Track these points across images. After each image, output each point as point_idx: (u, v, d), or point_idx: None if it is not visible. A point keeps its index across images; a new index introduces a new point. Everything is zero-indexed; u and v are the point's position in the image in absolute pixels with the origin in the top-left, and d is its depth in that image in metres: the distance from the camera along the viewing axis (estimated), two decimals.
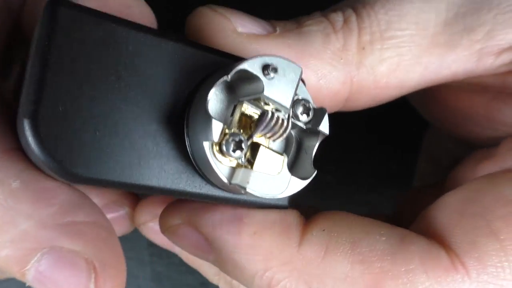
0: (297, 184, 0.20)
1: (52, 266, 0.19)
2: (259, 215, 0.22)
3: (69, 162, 0.17)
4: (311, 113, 0.20)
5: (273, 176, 0.19)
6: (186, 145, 0.19)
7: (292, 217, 0.22)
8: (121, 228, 0.28)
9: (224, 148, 0.18)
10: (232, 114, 0.19)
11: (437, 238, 0.22)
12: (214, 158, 0.18)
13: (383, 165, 0.38)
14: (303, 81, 0.21)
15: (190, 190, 0.19)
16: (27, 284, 0.19)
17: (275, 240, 0.21)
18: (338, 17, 0.23)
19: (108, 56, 0.18)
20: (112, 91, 0.18)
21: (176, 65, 0.19)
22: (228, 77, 0.18)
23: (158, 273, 0.37)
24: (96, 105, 0.18)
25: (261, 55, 0.19)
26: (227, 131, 0.19)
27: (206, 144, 0.18)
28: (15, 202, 0.18)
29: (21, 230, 0.18)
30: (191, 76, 0.19)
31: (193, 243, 0.23)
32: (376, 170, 0.38)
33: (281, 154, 0.20)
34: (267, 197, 0.19)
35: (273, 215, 0.22)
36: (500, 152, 0.26)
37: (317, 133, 0.20)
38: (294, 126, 0.20)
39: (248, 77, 0.18)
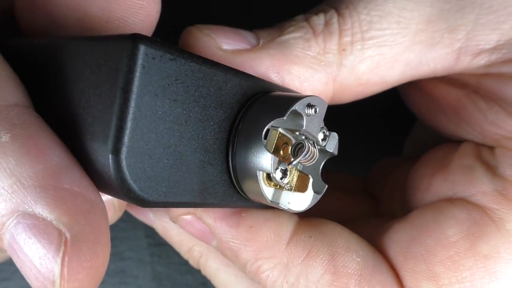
0: (315, 198, 0.23)
1: (23, 232, 0.18)
2: (256, 212, 0.25)
3: (145, 193, 0.19)
4: (327, 138, 0.23)
5: (303, 194, 0.22)
6: (229, 169, 0.21)
7: (285, 217, 0.25)
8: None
9: (273, 175, 0.21)
10: (265, 137, 0.21)
11: (396, 274, 0.25)
12: (263, 184, 0.21)
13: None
14: None
15: (226, 202, 0.22)
16: (7, 252, 0.18)
17: (267, 236, 0.24)
18: (319, 21, 0.24)
19: (179, 92, 0.19)
20: (182, 124, 0.19)
21: (221, 95, 0.21)
22: (284, 118, 0.20)
23: (158, 273, 0.37)
24: (170, 138, 0.19)
25: (305, 95, 0.21)
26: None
27: (259, 174, 0.21)
28: (1, 157, 0.17)
29: (1, 187, 0.17)
30: (232, 104, 0.21)
31: (198, 231, 0.26)
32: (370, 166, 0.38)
33: (308, 176, 0.22)
34: (299, 211, 0.22)
35: (269, 213, 0.25)
36: (453, 167, 0.27)
37: (327, 153, 0.23)
38: None
39: (293, 113, 0.21)
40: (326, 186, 0.23)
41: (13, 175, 0.17)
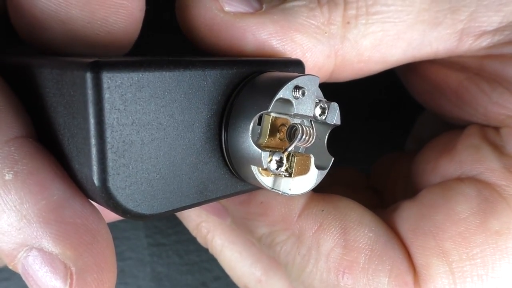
0: (321, 175, 0.22)
1: (34, 263, 0.19)
2: None
3: (142, 209, 0.19)
4: (326, 111, 0.22)
5: (305, 176, 0.22)
6: (225, 162, 0.21)
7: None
8: None
9: (269, 168, 0.20)
10: (259, 123, 0.21)
11: (406, 252, 0.24)
12: (259, 175, 0.21)
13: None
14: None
15: (232, 192, 0.22)
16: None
17: (278, 209, 0.25)
18: None
19: (153, 103, 0.19)
20: (164, 134, 0.19)
21: (203, 93, 0.20)
22: (269, 110, 0.20)
23: (158, 273, 0.37)
24: (153, 152, 0.19)
25: (290, 78, 0.20)
26: (263, 144, 0.21)
27: (254, 169, 0.21)
28: (6, 194, 0.18)
29: (8, 223, 0.18)
30: (218, 98, 0.21)
31: (214, 209, 0.27)
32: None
33: (309, 156, 0.22)
34: (303, 193, 0.22)
35: None
36: (458, 148, 0.27)
37: (330, 125, 0.22)
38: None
39: (279, 99, 0.20)
40: (332, 159, 0.22)
41: (19, 212, 0.18)
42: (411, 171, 0.30)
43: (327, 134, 0.23)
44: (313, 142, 0.22)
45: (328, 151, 0.23)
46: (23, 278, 0.19)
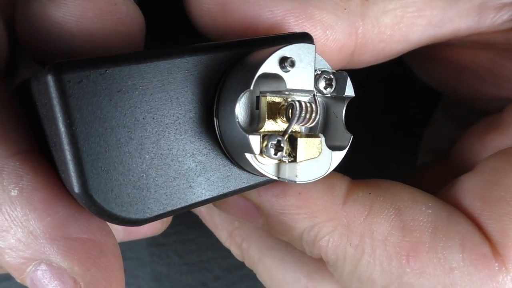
0: (338, 156, 0.20)
1: (43, 278, 0.19)
2: None
3: (130, 213, 0.18)
4: (333, 83, 0.20)
5: (316, 159, 0.19)
6: (224, 152, 0.19)
7: (336, 178, 0.23)
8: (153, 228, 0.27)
9: (265, 153, 0.18)
10: (257, 107, 0.19)
11: (474, 222, 0.22)
12: (258, 163, 0.18)
13: (383, 165, 0.38)
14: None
15: (241, 186, 0.20)
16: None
17: (320, 198, 0.22)
18: None
19: (123, 100, 0.17)
20: (143, 131, 0.18)
21: (190, 78, 0.18)
22: (251, 88, 0.18)
23: (158, 273, 0.37)
24: (135, 151, 0.18)
25: (274, 50, 0.18)
26: (262, 130, 0.19)
27: (249, 156, 0.18)
28: (12, 210, 0.18)
29: (16, 239, 0.18)
30: (209, 82, 0.19)
31: (243, 210, 0.24)
32: (376, 170, 0.38)
33: (318, 136, 0.19)
34: (316, 179, 0.19)
35: None
36: (505, 121, 0.26)
37: (342, 98, 0.20)
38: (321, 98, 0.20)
39: (267, 76, 0.18)
40: (351, 136, 0.20)
41: (25, 228, 0.18)
42: (453, 163, 0.28)
43: (343, 109, 0.20)
44: (322, 120, 0.20)
45: (347, 129, 0.20)
46: None
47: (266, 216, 0.23)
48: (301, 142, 0.19)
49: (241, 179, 0.20)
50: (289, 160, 0.19)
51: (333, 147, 0.20)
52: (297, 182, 0.19)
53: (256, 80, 0.18)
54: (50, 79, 0.16)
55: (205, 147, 0.19)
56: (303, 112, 0.18)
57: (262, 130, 0.19)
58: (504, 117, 0.26)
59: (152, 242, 0.37)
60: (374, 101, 0.38)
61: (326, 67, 0.20)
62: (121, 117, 0.17)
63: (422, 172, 0.32)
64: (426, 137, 0.36)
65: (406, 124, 0.38)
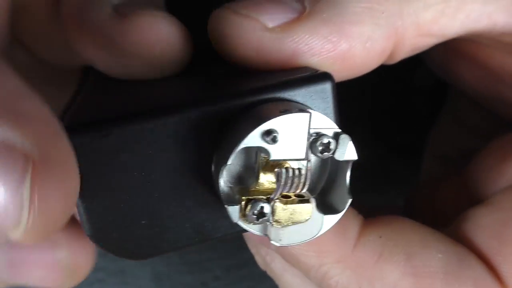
0: (331, 220, 0.19)
1: (20, 252, 0.17)
2: None
3: (138, 253, 0.20)
4: (332, 146, 0.18)
5: (304, 223, 0.19)
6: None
7: (350, 218, 0.22)
8: None
9: (248, 219, 0.18)
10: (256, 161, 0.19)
11: (485, 262, 0.22)
12: (246, 224, 0.18)
13: (383, 165, 0.38)
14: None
15: (234, 230, 0.20)
16: None
17: (331, 239, 0.22)
18: None
19: (128, 160, 0.19)
20: (142, 185, 0.19)
21: (183, 138, 0.19)
22: (229, 163, 0.17)
23: (158, 273, 0.37)
24: (135, 203, 0.19)
25: (257, 124, 0.17)
26: (254, 188, 0.19)
27: (234, 218, 0.18)
28: None
29: None
30: (203, 140, 0.19)
31: (258, 238, 0.23)
32: (376, 170, 0.38)
33: (308, 201, 0.19)
34: (302, 243, 0.19)
35: None
36: None
37: (344, 162, 0.19)
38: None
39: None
40: (349, 200, 0.19)
41: None
42: (467, 184, 0.27)
43: (347, 171, 0.19)
44: (324, 179, 0.19)
45: (351, 191, 0.19)
46: None
47: (278, 248, 0.23)
48: (283, 208, 0.18)
49: (230, 226, 0.20)
50: (274, 225, 0.18)
51: (329, 209, 0.19)
52: (280, 245, 0.19)
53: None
54: None
55: (205, 197, 0.20)
56: (289, 181, 0.18)
57: (254, 188, 0.19)
58: None
59: None
60: (376, 100, 0.38)
61: (327, 126, 0.18)
62: (123, 174, 0.19)
63: (434, 189, 0.30)
64: (431, 142, 0.35)
65: (407, 124, 0.38)
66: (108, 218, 0.19)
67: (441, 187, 0.30)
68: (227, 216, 0.19)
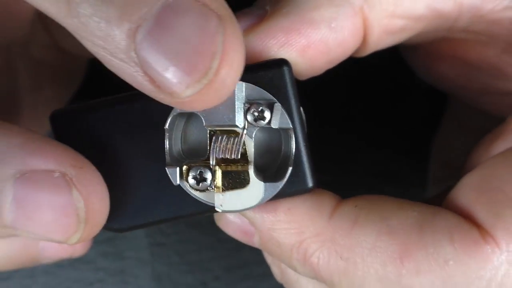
0: (272, 188, 0.20)
1: (29, 191, 0.18)
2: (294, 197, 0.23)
3: (113, 224, 0.22)
4: (267, 114, 0.20)
5: (245, 190, 0.20)
6: None
7: (325, 195, 0.23)
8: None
9: (189, 184, 0.20)
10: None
11: (464, 216, 0.22)
12: (191, 189, 0.20)
13: (383, 165, 0.38)
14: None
15: (193, 211, 0.22)
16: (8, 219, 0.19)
17: (307, 213, 0.22)
18: None
19: (99, 137, 0.21)
20: (117, 161, 0.21)
21: (149, 116, 0.21)
22: (166, 127, 0.20)
23: (159, 272, 0.37)
24: (111, 175, 0.21)
25: None
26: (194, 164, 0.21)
27: (182, 184, 0.20)
28: None
29: None
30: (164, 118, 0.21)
31: (240, 229, 0.24)
32: (376, 170, 0.38)
33: (246, 167, 0.20)
34: (243, 210, 0.20)
35: (307, 195, 0.23)
36: (508, 128, 0.25)
37: (282, 129, 0.21)
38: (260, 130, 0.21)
39: (185, 114, 0.20)
40: (290, 169, 0.20)
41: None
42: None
43: (292, 141, 0.21)
44: (269, 150, 0.21)
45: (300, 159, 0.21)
46: (16, 213, 0.19)
47: (259, 233, 0.23)
48: (224, 173, 0.20)
49: (193, 204, 0.21)
50: (215, 190, 0.20)
51: (271, 178, 0.21)
52: (221, 211, 0.20)
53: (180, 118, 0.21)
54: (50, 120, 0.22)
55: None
56: (221, 145, 0.20)
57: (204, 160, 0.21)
58: (506, 125, 0.26)
59: (152, 242, 0.37)
60: (375, 100, 0.38)
61: (263, 97, 0.20)
62: (96, 150, 0.21)
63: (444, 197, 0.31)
64: (436, 149, 0.35)
65: (407, 124, 0.38)
66: None
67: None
68: (189, 195, 0.21)
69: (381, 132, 0.39)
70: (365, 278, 0.21)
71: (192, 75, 0.16)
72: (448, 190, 0.32)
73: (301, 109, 0.22)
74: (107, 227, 0.21)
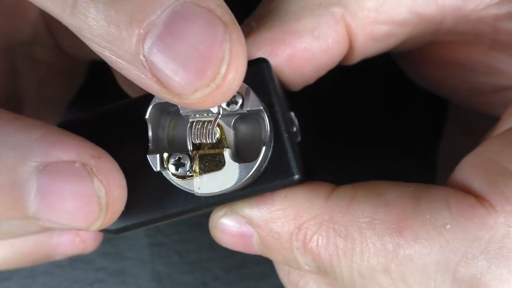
0: (246, 168, 0.21)
1: (53, 181, 0.19)
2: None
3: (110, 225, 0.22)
4: (238, 99, 0.21)
5: (220, 172, 0.21)
6: None
7: (322, 183, 0.23)
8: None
9: (170, 169, 0.21)
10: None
11: (460, 189, 0.22)
12: (172, 176, 0.21)
13: (383, 165, 0.38)
14: None
15: (194, 205, 0.22)
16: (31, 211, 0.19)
17: (304, 197, 0.22)
18: None
19: (102, 141, 0.22)
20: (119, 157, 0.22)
21: (135, 118, 0.22)
22: (146, 117, 0.21)
23: (159, 272, 0.37)
24: None
25: None
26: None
27: (164, 173, 0.21)
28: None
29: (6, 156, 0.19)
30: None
31: (237, 236, 0.24)
32: (376, 170, 0.38)
33: (221, 150, 0.21)
34: (221, 191, 0.21)
35: (303, 183, 0.23)
36: (503, 121, 0.25)
37: (254, 111, 0.21)
38: (233, 115, 0.22)
39: (166, 104, 0.21)
40: (263, 149, 0.21)
41: (20, 145, 0.19)
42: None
43: (265, 122, 0.21)
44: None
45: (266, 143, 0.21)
46: (40, 204, 0.19)
47: (257, 229, 0.23)
48: (201, 156, 0.21)
49: (182, 202, 0.22)
50: (194, 175, 0.21)
51: (246, 159, 0.21)
52: (198, 194, 0.21)
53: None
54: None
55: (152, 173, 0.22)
56: (196, 129, 0.21)
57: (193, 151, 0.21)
58: (501, 121, 0.26)
59: (152, 242, 0.37)
60: (375, 100, 0.38)
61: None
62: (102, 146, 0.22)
63: None
64: (442, 155, 0.35)
65: (407, 124, 0.38)
66: None
67: None
68: (182, 191, 0.21)
69: (381, 132, 0.39)
70: (363, 254, 0.21)
71: (201, 80, 0.17)
72: None
73: (292, 113, 0.23)
74: (103, 229, 0.22)
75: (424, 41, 0.27)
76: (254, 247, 0.24)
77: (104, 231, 0.22)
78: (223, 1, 0.18)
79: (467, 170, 0.22)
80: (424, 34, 0.26)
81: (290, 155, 0.22)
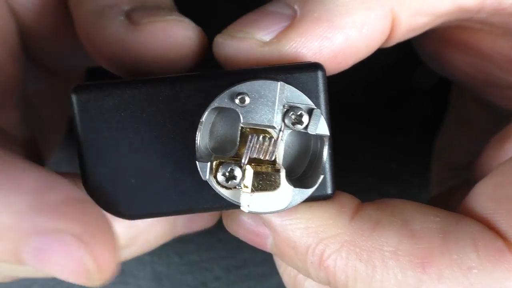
0: (302, 194, 0.20)
1: (43, 249, 0.18)
2: None
3: (118, 213, 0.21)
4: (305, 119, 0.20)
5: (274, 193, 0.20)
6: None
7: (346, 197, 0.22)
8: None
9: (218, 180, 0.20)
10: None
11: (483, 222, 0.21)
12: (218, 186, 0.20)
13: (383, 165, 0.38)
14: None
15: (210, 205, 0.21)
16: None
17: (328, 211, 0.21)
18: None
19: (125, 120, 0.21)
20: (134, 146, 0.21)
21: (175, 106, 0.21)
22: (202, 120, 0.19)
23: (158, 272, 0.37)
24: (127, 161, 0.21)
25: (229, 87, 0.20)
26: (224, 160, 0.20)
27: (209, 180, 0.20)
28: None
29: (1, 224, 0.18)
30: (193, 111, 0.21)
31: (252, 232, 0.23)
32: (376, 170, 0.38)
33: (278, 170, 0.20)
34: (271, 212, 0.20)
35: None
36: None
37: (316, 136, 0.20)
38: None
39: (223, 110, 0.20)
40: (321, 177, 0.20)
41: (6, 210, 0.18)
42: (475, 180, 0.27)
43: (324, 147, 0.20)
44: (301, 155, 0.21)
45: (331, 167, 0.21)
46: (35, 266, 0.19)
47: (274, 233, 0.22)
48: (256, 173, 0.20)
49: (211, 199, 0.21)
50: (244, 189, 0.20)
51: (302, 184, 0.20)
52: (247, 211, 0.20)
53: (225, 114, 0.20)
54: (72, 97, 0.21)
55: (190, 166, 0.21)
56: (257, 145, 0.19)
57: (232, 156, 0.20)
58: None
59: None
60: (376, 100, 0.38)
61: (303, 102, 0.20)
62: (119, 132, 0.21)
63: (447, 200, 0.30)
64: (438, 150, 0.35)
65: (407, 124, 0.38)
66: (101, 171, 0.21)
67: (454, 197, 0.29)
68: (210, 188, 0.20)
69: (381, 132, 0.39)
70: (383, 283, 0.20)
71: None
72: (451, 190, 0.32)
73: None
74: (116, 213, 0.21)
75: (450, 24, 0.26)
76: (267, 247, 0.23)
77: (117, 215, 0.21)
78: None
79: (489, 204, 0.22)
80: (455, 21, 0.25)
81: (329, 173, 0.21)
